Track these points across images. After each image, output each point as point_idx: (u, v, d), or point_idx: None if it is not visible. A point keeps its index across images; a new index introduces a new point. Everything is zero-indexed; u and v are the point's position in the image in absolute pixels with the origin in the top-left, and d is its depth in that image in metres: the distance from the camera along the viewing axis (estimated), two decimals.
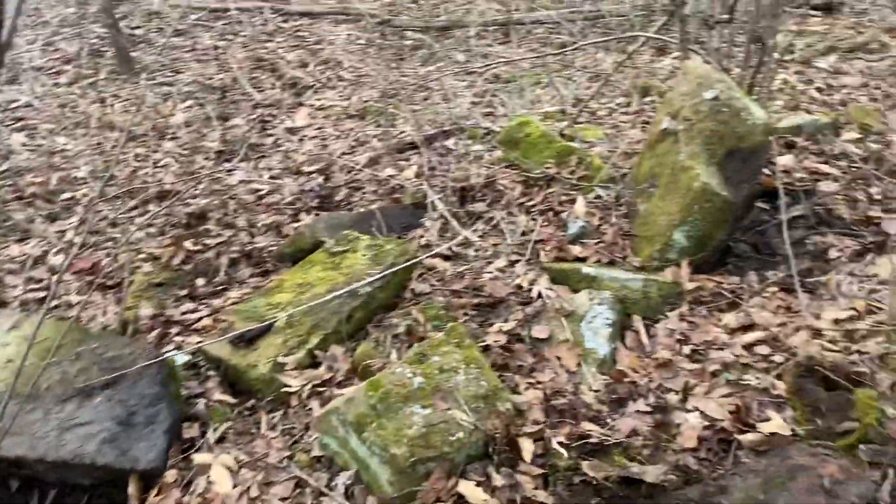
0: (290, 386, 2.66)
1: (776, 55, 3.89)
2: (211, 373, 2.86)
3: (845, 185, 3.38)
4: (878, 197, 3.27)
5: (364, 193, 4.13)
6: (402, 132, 4.83)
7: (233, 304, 3.29)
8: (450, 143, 4.47)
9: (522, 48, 6.48)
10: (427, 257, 3.22)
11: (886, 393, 2.19)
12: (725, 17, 3.64)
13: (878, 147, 3.69)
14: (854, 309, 2.64)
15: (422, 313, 2.85)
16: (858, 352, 2.44)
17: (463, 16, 7.26)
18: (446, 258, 3.31)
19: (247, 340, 2.86)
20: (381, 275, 2.99)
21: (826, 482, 1.97)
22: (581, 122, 4.55)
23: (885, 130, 3.91)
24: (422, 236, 3.53)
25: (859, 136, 3.85)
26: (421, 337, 2.71)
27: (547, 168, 3.80)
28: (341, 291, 2.90)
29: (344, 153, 4.67)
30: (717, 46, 3.78)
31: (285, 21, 7.45)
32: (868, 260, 2.93)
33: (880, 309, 2.61)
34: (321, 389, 2.64)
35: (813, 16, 6.04)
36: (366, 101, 5.47)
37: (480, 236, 3.48)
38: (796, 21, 5.65)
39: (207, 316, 3.29)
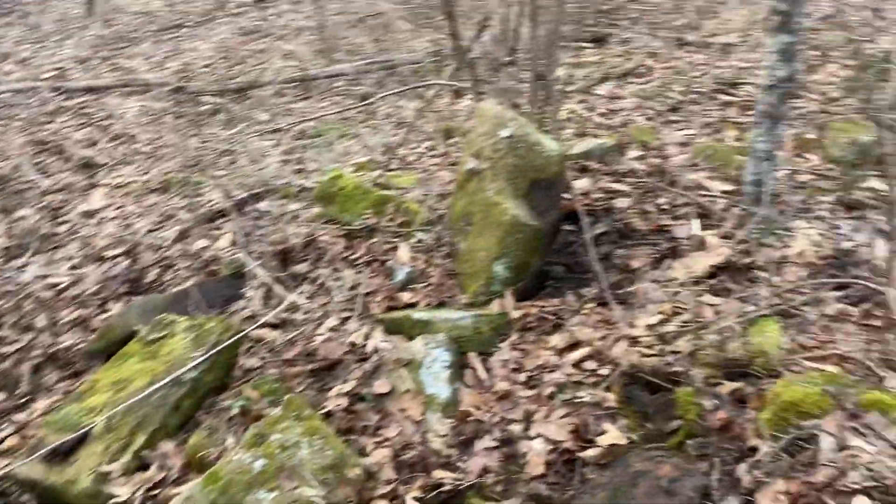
0: (118, 496, 2.43)
1: (559, 88, 4.19)
2: (24, 498, 2.55)
3: (637, 200, 3.68)
4: (666, 206, 3.59)
5: (177, 271, 3.91)
6: (210, 201, 4.64)
7: (41, 415, 2.97)
8: (262, 205, 4.36)
9: (324, 102, 6.51)
10: (253, 329, 3.10)
11: (701, 387, 2.38)
12: (509, 58, 3.87)
13: (658, 161, 4.07)
14: (662, 313, 2.85)
15: (255, 390, 2.72)
16: (672, 352, 2.63)
17: (259, 75, 7.19)
18: (274, 327, 3.20)
19: (63, 454, 2.59)
20: (206, 356, 2.83)
21: (664, 482, 2.09)
22: (393, 170, 4.62)
23: (662, 145, 4.32)
24: (245, 308, 3.40)
25: (642, 153, 4.22)
26: (257, 416, 2.58)
27: (366, 219, 3.81)
28: (163, 382, 2.70)
29: (149, 230, 4.40)
30: (505, 86, 4.01)
31: (67, 99, 6.97)
32: (666, 265, 3.19)
33: (684, 309, 2.85)
34: (155, 492, 2.44)
35: (586, 48, 6.59)
36: (167, 173, 5.22)
37: (307, 298, 3.41)
38: (572, 55, 6.14)
39: (13, 434, 2.96)
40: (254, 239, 3.92)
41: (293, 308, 3.29)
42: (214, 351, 2.85)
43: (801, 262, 3.07)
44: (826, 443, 2.05)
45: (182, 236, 4.20)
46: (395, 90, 5.83)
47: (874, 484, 1.91)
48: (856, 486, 1.91)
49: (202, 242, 4.06)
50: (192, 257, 3.95)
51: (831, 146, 3.93)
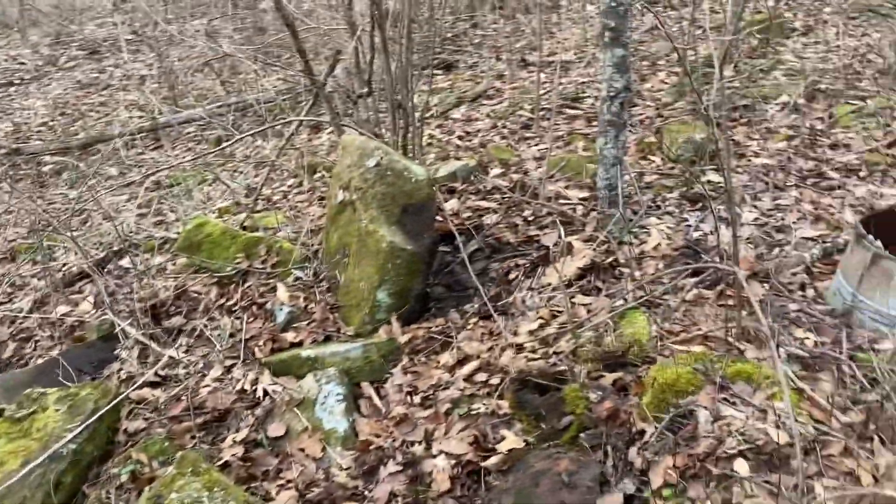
0: None
1: (418, 115, 4.31)
2: None
3: (504, 215, 3.84)
4: (532, 218, 3.77)
5: (38, 341, 3.65)
6: (66, 264, 4.38)
7: None
8: (125, 262, 4.17)
9: (177, 150, 6.32)
10: (133, 391, 2.95)
11: (586, 382, 2.52)
12: (365, 90, 3.94)
13: (519, 176, 4.26)
14: (542, 318, 2.99)
15: (143, 453, 2.60)
16: (555, 353, 2.77)
17: (104, 129, 6.87)
18: (155, 385, 3.07)
19: None
20: (84, 426, 2.67)
21: (564, 477, 2.19)
22: (259, 211, 4.56)
23: (520, 161, 4.53)
24: (120, 370, 3.23)
25: (503, 170, 4.41)
26: (150, 478, 2.46)
27: (238, 263, 3.74)
28: (39, 459, 2.52)
29: (0, 303, 4.09)
30: (365, 118, 4.07)
31: None
32: (539, 273, 3.35)
33: (560, 312, 3.00)
34: None
35: (437, 75, 6.80)
36: (12, 241, 4.87)
37: (186, 351, 3.29)
38: (424, 82, 6.32)
39: None
40: (120, 298, 3.74)
41: (173, 363, 3.17)
42: (93, 419, 2.69)
43: (657, 256, 3.32)
44: (703, 416, 2.24)
45: (39, 305, 3.93)
46: (252, 131, 5.76)
47: (749, 446, 2.10)
48: (733, 451, 2.09)
49: (63, 308, 3.83)
50: (53, 325, 3.71)
51: (670, 147, 4.28)
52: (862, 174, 3.79)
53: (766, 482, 1.98)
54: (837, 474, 2.00)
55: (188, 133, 6.73)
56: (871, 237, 2.68)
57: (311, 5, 7.35)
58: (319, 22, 6.52)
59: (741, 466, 2.04)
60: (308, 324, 3.33)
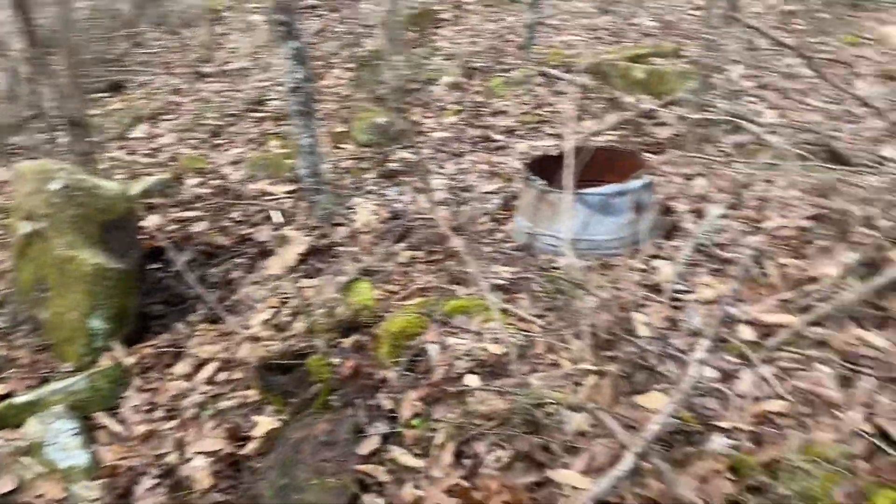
0: None
1: (94, 138, 4.07)
2: None
3: (212, 220, 3.81)
4: (241, 218, 3.80)
5: None
6: None
7: None
8: None
9: None
10: None
11: (327, 350, 2.66)
12: (32, 113, 3.63)
13: (219, 182, 4.25)
14: (272, 307, 3.07)
15: None
16: (293, 336, 2.87)
17: None
18: None
19: None
20: None
21: (323, 437, 2.32)
22: None
23: (216, 167, 4.51)
24: None
25: (200, 179, 4.35)
26: None
27: None
28: None
29: None
30: (34, 144, 3.75)
31: None
32: (260, 267, 3.41)
33: (290, 297, 3.10)
34: None
35: (106, 97, 6.39)
36: None
37: None
38: (93, 105, 5.90)
39: None
40: None
41: None
42: None
43: (368, 230, 3.57)
44: (433, 350, 2.52)
45: None
46: None
47: (475, 363, 2.42)
48: (463, 371, 2.40)
49: None
50: None
51: (358, 133, 4.58)
52: (520, 133, 4.44)
53: (494, 388, 2.31)
54: (545, 366, 2.39)
55: None
56: (536, 178, 3.20)
57: None
58: None
59: (472, 380, 2.35)
60: (15, 372, 3.01)
